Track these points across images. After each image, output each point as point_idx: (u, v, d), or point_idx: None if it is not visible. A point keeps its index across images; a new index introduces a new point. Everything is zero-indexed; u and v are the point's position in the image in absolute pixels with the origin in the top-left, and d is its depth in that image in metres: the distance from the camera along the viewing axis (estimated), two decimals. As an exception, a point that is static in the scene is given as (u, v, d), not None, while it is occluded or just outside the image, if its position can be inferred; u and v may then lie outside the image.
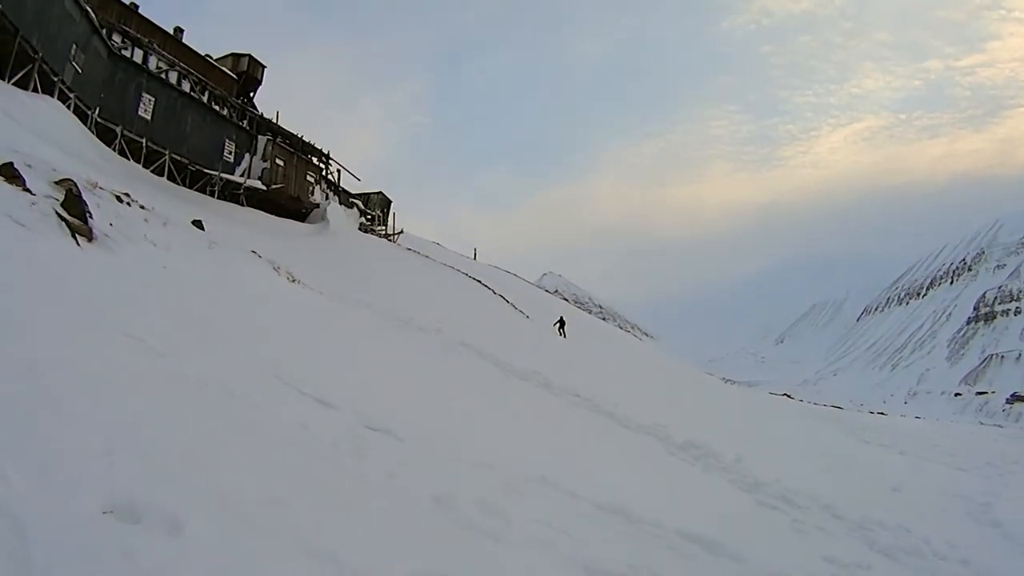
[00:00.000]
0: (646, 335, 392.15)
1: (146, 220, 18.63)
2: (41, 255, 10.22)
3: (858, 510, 14.03)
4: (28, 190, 12.66)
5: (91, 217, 13.64)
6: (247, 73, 55.51)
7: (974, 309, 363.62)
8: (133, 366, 7.83)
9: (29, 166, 14.61)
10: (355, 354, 16.52)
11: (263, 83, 57.62)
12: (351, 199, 63.72)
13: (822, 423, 39.98)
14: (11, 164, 13.03)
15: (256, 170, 49.99)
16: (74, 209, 13.12)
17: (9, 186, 12.34)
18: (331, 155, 60.33)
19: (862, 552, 11.64)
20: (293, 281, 23.90)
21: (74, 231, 12.32)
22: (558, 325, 48.05)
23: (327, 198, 57.46)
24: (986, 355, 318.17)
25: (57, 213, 12.41)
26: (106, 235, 13.87)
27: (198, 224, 24.34)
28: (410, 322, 26.48)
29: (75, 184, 14.75)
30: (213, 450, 6.35)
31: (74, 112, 35.86)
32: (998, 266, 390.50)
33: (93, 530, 4.01)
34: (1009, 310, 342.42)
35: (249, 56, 56.21)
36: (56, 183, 14.56)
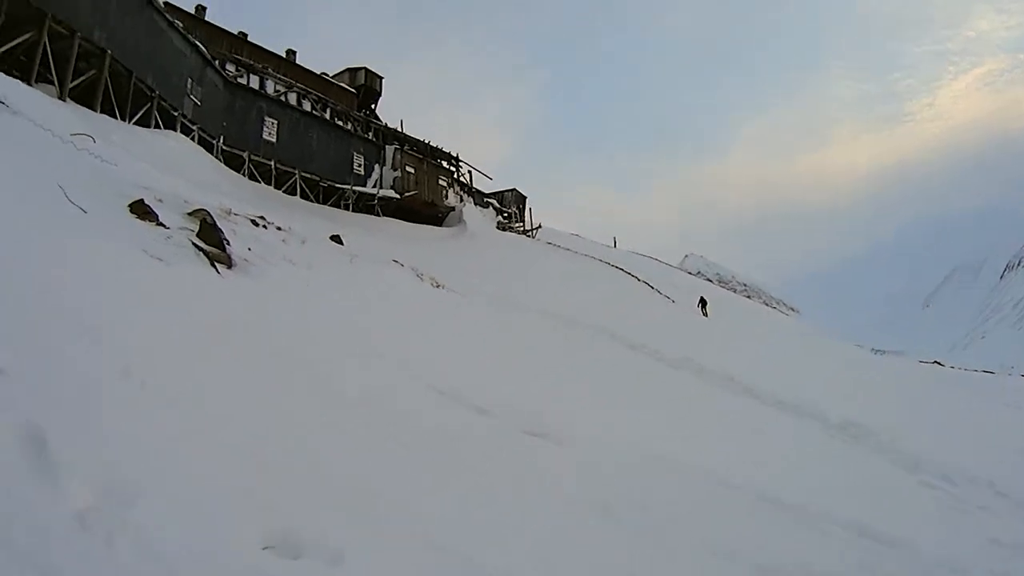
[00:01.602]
0: (791, 310, 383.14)
1: (284, 241, 18.80)
2: (181, 286, 10.26)
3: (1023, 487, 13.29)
4: (162, 224, 12.77)
5: (228, 244, 13.74)
6: (365, 86, 56.49)
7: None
8: (286, 387, 7.77)
9: (160, 200, 14.83)
10: (507, 356, 16.38)
11: (382, 93, 58.41)
12: (485, 199, 64.05)
13: (974, 391, 38.11)
14: (142, 201, 13.16)
15: (387, 180, 50.82)
16: (211, 238, 13.23)
17: (142, 222, 12.47)
18: (460, 157, 60.85)
19: None
20: (437, 286, 23.89)
21: (212, 259, 12.40)
22: (700, 305, 47.95)
23: (461, 200, 57.93)
24: None
25: (193, 244, 12.50)
26: (245, 260, 13.96)
27: (336, 239, 24.58)
28: (556, 316, 26.33)
29: (209, 213, 14.95)
30: (373, 470, 6.28)
31: (198, 143, 37.30)
32: None
33: (252, 567, 3.98)
34: None
35: (365, 69, 57.14)
36: (189, 214, 14.79)
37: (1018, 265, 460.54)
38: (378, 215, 48.65)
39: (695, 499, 9.08)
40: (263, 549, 4.15)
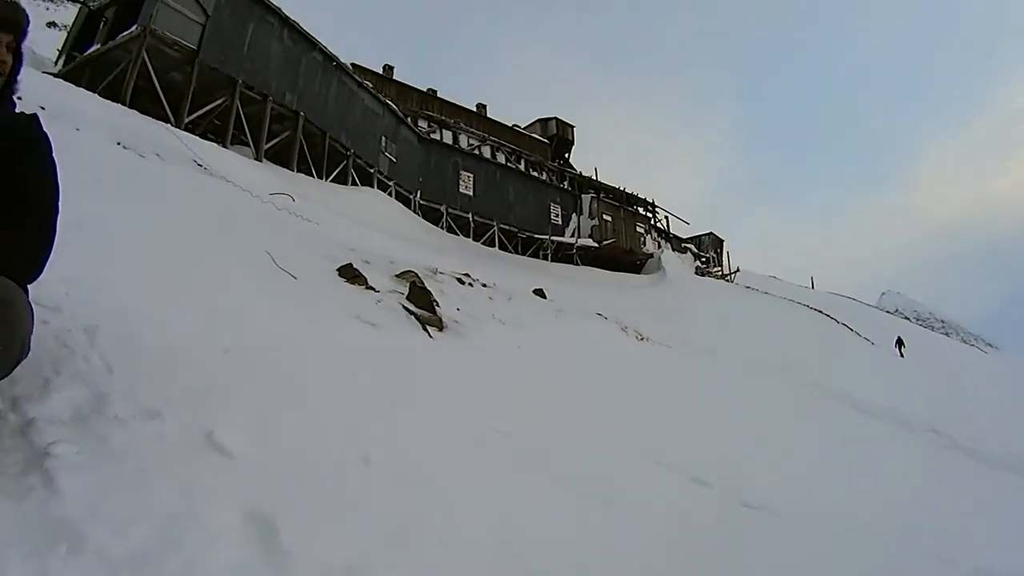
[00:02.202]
0: (989, 345, 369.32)
1: (490, 298, 18.66)
2: (398, 353, 9.94)
3: None
4: (372, 287, 12.67)
5: (438, 306, 13.46)
6: (557, 135, 57.77)
7: None
8: (505, 466, 7.06)
9: (367, 262, 14.82)
10: (714, 413, 15.31)
11: (575, 142, 59.11)
12: (683, 244, 64.64)
13: None
14: (351, 265, 13.12)
15: (585, 228, 51.40)
16: (420, 300, 13.01)
17: (353, 286, 12.43)
18: (656, 202, 60.93)
19: None
20: (641, 339, 23.24)
21: (424, 323, 12.11)
22: (897, 345, 47.32)
23: (659, 246, 58.12)
24: None
25: (404, 307, 12.31)
26: (455, 321, 13.63)
27: (539, 293, 24.45)
28: (763, 367, 25.36)
29: (418, 276, 14.88)
30: (593, 559, 5.42)
31: (396, 198, 38.75)
32: None
33: None
34: None
35: (556, 119, 58.23)
36: (397, 276, 14.78)
37: None
38: (577, 264, 48.95)
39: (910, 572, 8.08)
40: None
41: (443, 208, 42.56)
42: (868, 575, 7.47)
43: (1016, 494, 15.12)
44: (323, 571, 3.38)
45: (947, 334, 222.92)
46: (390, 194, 37.89)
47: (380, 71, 46.25)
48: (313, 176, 32.58)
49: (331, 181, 33.80)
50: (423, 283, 14.14)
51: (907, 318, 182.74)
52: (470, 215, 43.94)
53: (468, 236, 43.19)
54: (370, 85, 39.24)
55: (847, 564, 7.70)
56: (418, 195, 41.15)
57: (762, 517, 8.56)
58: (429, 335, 11.76)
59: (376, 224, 25.92)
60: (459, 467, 6.24)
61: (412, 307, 12.48)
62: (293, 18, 33.37)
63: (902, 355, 45.93)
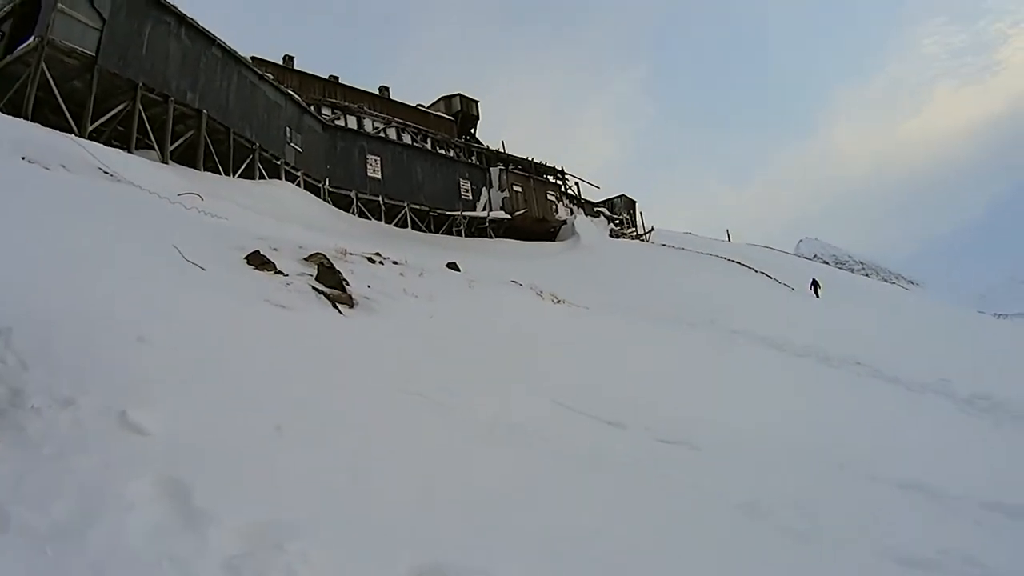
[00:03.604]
0: (911, 283, 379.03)
1: (402, 274, 18.90)
2: (307, 330, 10.36)
3: None
4: (280, 272, 12.96)
5: (348, 284, 13.80)
6: (462, 112, 57.78)
7: None
8: (422, 421, 7.74)
9: (276, 249, 15.09)
10: (633, 365, 16.12)
11: (480, 116, 59.15)
12: (595, 208, 65.21)
13: None
14: (258, 252, 13.38)
15: (496, 201, 51.71)
16: (330, 280, 13.32)
17: (261, 272, 12.66)
18: (565, 170, 61.58)
19: None
20: (558, 302, 23.73)
21: (334, 301, 12.47)
22: (812, 287, 48.94)
23: (572, 212, 58.77)
24: None
25: (313, 287, 12.65)
26: (366, 297, 13.95)
27: (453, 266, 24.88)
28: (679, 319, 26.24)
29: (325, 256, 15.18)
30: (514, 492, 6.16)
31: (305, 187, 38.65)
32: None
33: None
34: None
35: (459, 95, 58.25)
36: (306, 259, 15.01)
37: None
38: (491, 237, 49.46)
39: (840, 493, 8.88)
40: None
41: (352, 194, 42.50)
42: (791, 491, 8.13)
43: (935, 412, 16.07)
44: (236, 529, 3.85)
45: (867, 275, 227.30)
46: (298, 184, 37.90)
47: (280, 62, 45.90)
48: (220, 173, 32.37)
49: (239, 177, 33.68)
50: (332, 264, 14.44)
51: (826, 262, 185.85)
52: (380, 198, 43.96)
53: (380, 219, 43.21)
54: (271, 77, 39.06)
55: (769, 483, 8.42)
56: (327, 183, 41.06)
57: (680, 450, 9.29)
58: (340, 312, 12.19)
59: (285, 215, 26.22)
60: (371, 428, 6.77)
61: (321, 287, 12.82)
62: (190, 16, 32.99)
63: (818, 296, 47.50)
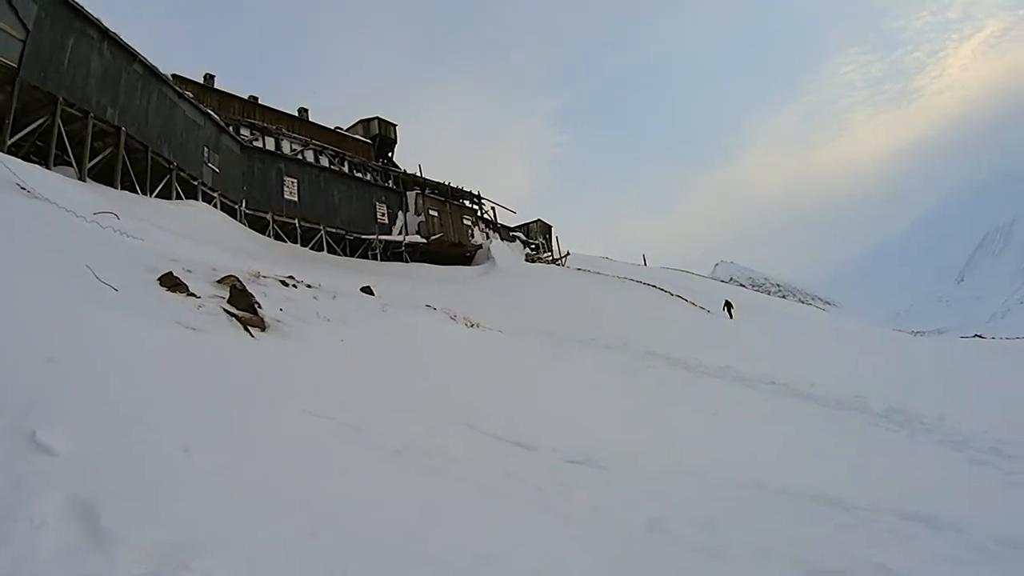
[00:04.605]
0: (828, 303, 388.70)
1: (315, 298, 18.90)
2: (217, 353, 10.36)
3: None
4: (193, 294, 12.91)
5: (260, 307, 13.81)
6: (380, 135, 57.52)
7: None
8: (331, 445, 7.80)
9: (189, 271, 15.03)
10: (545, 387, 16.44)
11: (398, 140, 59.14)
12: (511, 232, 65.07)
13: (1016, 359, 37.96)
14: (171, 273, 13.34)
15: (412, 225, 51.65)
16: (242, 303, 13.31)
17: (173, 294, 12.60)
18: (482, 195, 61.80)
19: None
20: (471, 326, 23.94)
21: (245, 324, 12.44)
22: (725, 308, 49.34)
23: (487, 237, 58.78)
24: None
25: (225, 310, 12.59)
26: (278, 321, 14.00)
27: (367, 290, 24.81)
28: (594, 342, 26.60)
29: (238, 279, 15.15)
30: (416, 516, 6.20)
31: (221, 209, 38.03)
32: None
33: None
34: None
35: (377, 118, 58.07)
36: (219, 281, 14.99)
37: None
38: (407, 261, 49.28)
39: (751, 508, 8.89)
40: None
41: (269, 216, 42.13)
42: (700, 509, 8.22)
43: (850, 427, 16.18)
44: (142, 548, 3.89)
45: (783, 296, 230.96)
46: (215, 205, 37.35)
47: (201, 80, 45.33)
48: (137, 192, 31.50)
49: (155, 196, 32.87)
50: (244, 286, 14.47)
51: (743, 285, 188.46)
52: (296, 221, 43.59)
53: (296, 242, 42.89)
54: (191, 96, 38.42)
55: (675, 501, 8.57)
56: (243, 204, 40.58)
57: (587, 470, 9.44)
58: (251, 335, 12.19)
59: (201, 236, 25.85)
60: (279, 450, 6.86)
61: (233, 310, 12.80)
62: (113, 30, 32.23)
63: (731, 317, 48.12)
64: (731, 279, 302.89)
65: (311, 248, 43.65)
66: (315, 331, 14.99)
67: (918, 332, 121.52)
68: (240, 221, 39.21)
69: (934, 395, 19.27)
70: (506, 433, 10.44)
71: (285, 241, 42.08)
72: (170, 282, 12.96)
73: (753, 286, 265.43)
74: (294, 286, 19.46)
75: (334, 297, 20.08)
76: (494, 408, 12.53)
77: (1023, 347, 48.54)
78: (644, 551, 6.69)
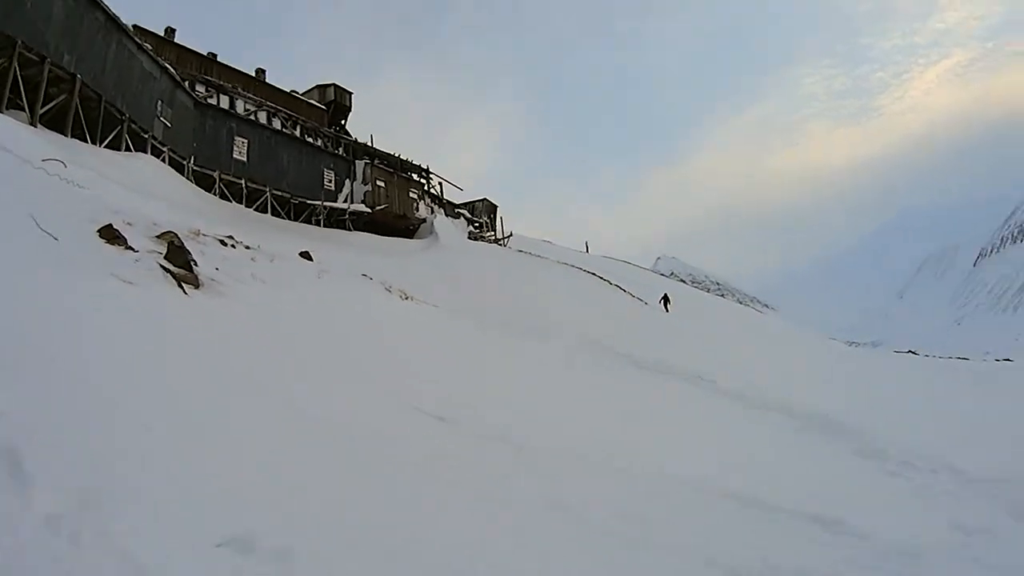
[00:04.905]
0: (766, 307, 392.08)
1: (253, 259, 19.06)
2: (146, 307, 10.55)
3: (989, 469, 13.53)
4: (131, 248, 13.12)
5: (196, 265, 14.05)
6: (335, 102, 57.06)
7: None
8: (246, 407, 8.12)
9: (130, 224, 15.12)
10: (474, 365, 16.88)
11: (352, 109, 58.82)
12: (456, 209, 65.06)
13: (948, 378, 38.49)
14: (111, 226, 13.47)
15: (358, 194, 51.43)
16: (178, 259, 13.52)
17: (111, 247, 12.77)
18: (430, 169, 61.51)
19: (993, 515, 11.18)
20: (406, 299, 24.20)
21: (179, 280, 12.68)
22: (662, 301, 50.16)
23: (432, 212, 58.74)
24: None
25: (161, 266, 12.81)
26: (213, 280, 14.21)
27: (306, 255, 24.87)
28: (527, 325, 26.92)
29: (176, 235, 15.26)
30: (326, 478, 6.63)
31: (169, 164, 37.69)
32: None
33: (209, 562, 4.43)
34: None
35: (334, 85, 57.66)
36: (158, 237, 15.11)
37: (992, 252, 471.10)
38: (349, 230, 49.23)
39: (675, 504, 9.41)
40: (216, 546, 4.58)
41: (216, 174, 41.80)
42: (621, 499, 8.76)
43: (774, 428, 16.99)
44: (61, 491, 4.36)
45: (722, 295, 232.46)
46: (164, 160, 37.04)
47: (162, 33, 44.69)
48: (88, 142, 31.33)
49: (105, 147, 32.64)
50: (182, 243, 14.65)
51: (683, 280, 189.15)
52: (243, 181, 43.33)
53: (241, 202, 42.76)
54: (150, 48, 37.95)
55: (595, 489, 9.10)
56: (192, 161, 40.21)
57: (498, 445, 10.03)
58: (184, 292, 12.49)
59: (146, 190, 25.83)
60: (202, 411, 7.25)
61: (169, 266, 13.04)
62: None
63: (667, 310, 48.77)
64: (672, 274, 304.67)
65: (256, 209, 43.53)
66: (248, 292, 15.16)
67: (853, 343, 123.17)
68: (187, 177, 38.97)
69: (859, 405, 19.99)
70: (431, 407, 10.94)
71: (230, 200, 41.94)
72: (109, 234, 13.12)
73: (693, 283, 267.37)
74: (233, 246, 19.66)
75: (272, 260, 20.18)
76: (422, 381, 13.02)
77: (954, 365, 49.59)
78: (563, 533, 7.13)
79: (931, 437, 16.31)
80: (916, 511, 11.34)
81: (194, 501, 5.05)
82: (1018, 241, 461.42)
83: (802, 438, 16.43)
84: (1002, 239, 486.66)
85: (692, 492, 10.17)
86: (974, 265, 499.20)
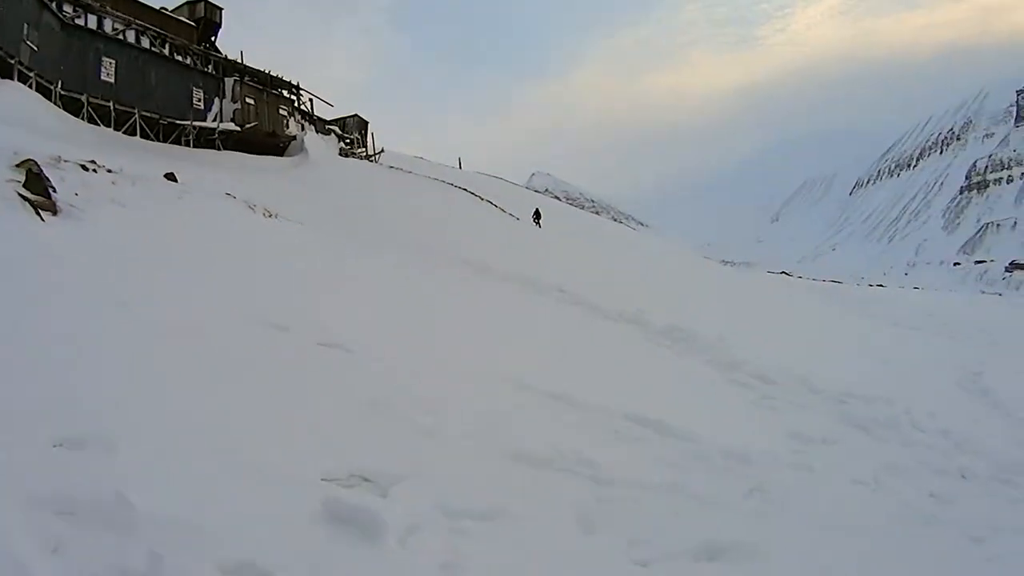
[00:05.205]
0: (641, 224, 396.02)
1: (114, 183, 19.07)
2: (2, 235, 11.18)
3: (839, 384, 14.50)
4: (-11, 177, 13.35)
5: (55, 191, 14.42)
6: (205, 18, 55.70)
7: (966, 178, 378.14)
8: (98, 321, 8.71)
9: None
10: (323, 280, 16.93)
11: (223, 25, 57.78)
12: (327, 126, 64.62)
13: (817, 299, 40.21)
14: None
15: (228, 112, 50.92)
16: (36, 187, 13.92)
17: None
18: (301, 85, 61.33)
19: (833, 426, 12.08)
20: (269, 216, 24.32)
21: (37, 207, 13.20)
22: (534, 217, 50.98)
23: (303, 129, 58.29)
24: (982, 224, 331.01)
25: (20, 194, 13.33)
26: (72, 206, 14.51)
27: (171, 176, 24.73)
28: (393, 239, 27.13)
29: (35, 163, 15.34)
30: (166, 382, 7.17)
31: (36, 90, 36.86)
32: (987, 135, 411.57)
33: (44, 458, 4.91)
34: (1001, 178, 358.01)
35: (205, 1, 56.41)
36: (17, 165, 15.22)
37: (868, 182, 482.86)
38: (219, 149, 48.81)
39: (482, 397, 9.90)
40: (54, 447, 5.01)
41: (84, 98, 40.92)
42: (426, 393, 9.09)
43: (623, 338, 17.66)
44: None
45: (597, 212, 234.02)
46: (31, 86, 36.37)
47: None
48: None
49: None
50: (41, 170, 15.01)
51: (557, 197, 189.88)
52: (111, 104, 42.46)
53: (109, 126, 41.94)
54: None
55: (406, 384, 9.46)
56: (59, 85, 39.30)
57: (336, 353, 10.50)
58: (41, 219, 13.16)
59: (10, 118, 25.77)
60: (42, 320, 8.11)
61: (27, 194, 13.62)
62: None
63: (539, 225, 49.86)
64: (546, 190, 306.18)
65: (124, 132, 43.00)
66: (106, 216, 15.42)
67: (727, 262, 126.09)
68: (55, 103, 38.40)
69: (722, 320, 20.98)
70: (268, 314, 11.40)
71: (99, 124, 41.41)
72: (-34, 165, 13.27)
73: (568, 199, 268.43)
74: (94, 171, 19.74)
75: (133, 183, 20.16)
76: (269, 291, 13.55)
77: (825, 287, 51.91)
78: (361, 422, 7.53)
79: (790, 353, 17.25)
80: (757, 420, 12.00)
81: (30, 406, 5.54)
82: (895, 175, 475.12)
83: (654, 348, 16.99)
84: (879, 172, 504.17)
85: (509, 388, 10.52)
86: (850, 194, 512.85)
